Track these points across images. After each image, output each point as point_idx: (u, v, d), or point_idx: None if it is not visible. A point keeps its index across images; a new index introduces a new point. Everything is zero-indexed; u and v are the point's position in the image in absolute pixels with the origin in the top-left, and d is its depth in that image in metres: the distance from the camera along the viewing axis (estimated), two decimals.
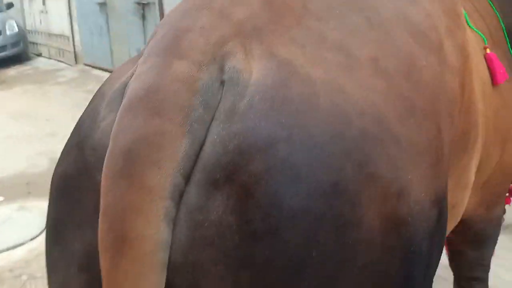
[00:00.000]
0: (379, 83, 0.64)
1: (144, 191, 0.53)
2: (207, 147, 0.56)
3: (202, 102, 0.57)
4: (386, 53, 0.68)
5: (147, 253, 0.53)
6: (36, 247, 2.61)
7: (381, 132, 0.60)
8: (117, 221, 0.54)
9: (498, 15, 1.20)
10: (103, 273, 0.55)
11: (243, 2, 0.66)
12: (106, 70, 6.49)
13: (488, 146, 1.01)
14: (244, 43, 0.61)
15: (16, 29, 7.87)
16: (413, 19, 0.76)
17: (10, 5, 8.18)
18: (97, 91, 0.72)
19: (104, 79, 0.77)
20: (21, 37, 8.01)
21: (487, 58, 1.02)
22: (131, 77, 0.63)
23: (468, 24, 1.00)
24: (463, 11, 0.97)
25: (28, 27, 8.66)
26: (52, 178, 0.70)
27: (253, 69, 0.59)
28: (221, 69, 0.59)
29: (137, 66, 0.64)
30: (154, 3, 5.63)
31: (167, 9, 5.20)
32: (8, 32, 7.71)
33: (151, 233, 0.53)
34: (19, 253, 2.63)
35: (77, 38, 7.40)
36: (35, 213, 2.93)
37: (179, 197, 0.55)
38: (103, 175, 0.56)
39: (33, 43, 8.57)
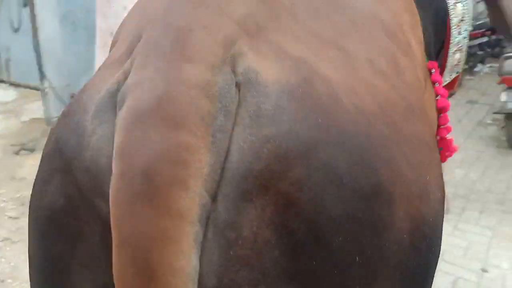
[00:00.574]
0: (380, 84, 0.63)
1: (172, 216, 0.47)
2: (233, 157, 0.50)
3: (222, 108, 0.51)
4: (376, 53, 0.67)
5: (183, 278, 0.47)
6: None
7: (393, 133, 0.59)
8: (141, 253, 0.47)
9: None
10: None
11: None
12: None
13: None
14: (251, 42, 0.56)
15: None
16: (384, 19, 0.74)
17: None
18: (71, 104, 0.61)
19: None
20: None
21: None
22: (118, 83, 0.56)
23: None
24: None
25: None
26: (34, 214, 0.60)
27: (268, 69, 0.54)
28: (234, 71, 0.53)
29: (124, 71, 0.56)
30: None
31: None
32: None
33: (183, 264, 0.47)
34: None
35: None
36: None
37: (206, 218, 0.50)
38: (113, 200, 0.49)
39: None
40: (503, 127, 4.20)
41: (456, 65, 1.15)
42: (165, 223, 0.47)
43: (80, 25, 4.64)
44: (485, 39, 5.54)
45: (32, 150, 4.15)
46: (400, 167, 0.57)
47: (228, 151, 0.51)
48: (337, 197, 0.51)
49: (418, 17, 0.88)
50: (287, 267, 0.50)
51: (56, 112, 4.56)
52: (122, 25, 0.74)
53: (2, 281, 2.47)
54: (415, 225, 0.57)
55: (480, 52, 5.83)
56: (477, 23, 4.57)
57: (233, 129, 0.51)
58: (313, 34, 0.62)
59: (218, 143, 0.50)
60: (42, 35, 4.60)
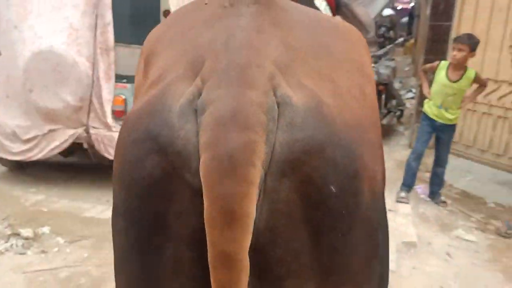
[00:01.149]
0: (356, 106, 0.91)
1: (247, 183, 0.73)
2: (277, 149, 0.77)
3: (270, 118, 0.77)
4: (352, 84, 0.94)
5: (249, 224, 0.73)
6: None
7: (365, 138, 0.89)
8: (227, 205, 0.72)
9: None
10: (212, 244, 0.73)
11: (267, 40, 0.86)
12: None
13: None
14: (283, 77, 0.82)
15: None
16: (355, 59, 1.01)
17: None
18: (155, 105, 0.83)
19: None
20: None
21: None
22: (193, 95, 0.80)
23: None
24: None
25: None
26: (130, 182, 0.82)
27: (295, 96, 0.81)
28: (275, 95, 0.79)
29: (197, 88, 0.81)
30: None
31: None
32: None
33: (252, 210, 0.73)
34: None
35: None
36: None
37: (262, 184, 0.76)
38: (206, 174, 0.73)
39: None
40: None
41: None
42: (242, 187, 0.73)
43: None
44: None
45: None
46: (366, 159, 0.86)
47: (274, 146, 0.77)
48: (335, 176, 0.80)
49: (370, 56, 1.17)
50: (305, 216, 0.79)
51: None
52: (159, 38, 1.02)
53: None
54: (372, 194, 0.88)
55: None
56: None
57: (277, 132, 0.78)
58: (316, 72, 0.88)
59: (269, 140, 0.76)
60: None
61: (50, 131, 3.78)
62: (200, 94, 0.79)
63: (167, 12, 4.41)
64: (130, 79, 3.87)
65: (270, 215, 0.78)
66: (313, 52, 0.92)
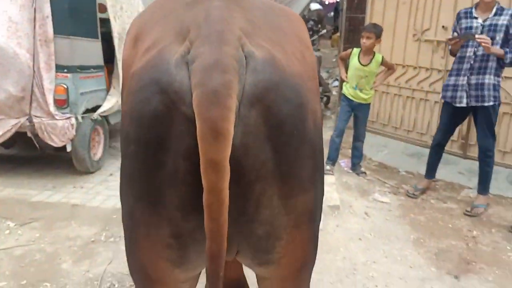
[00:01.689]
0: (298, 63, 1.16)
1: (227, 109, 0.94)
2: (246, 88, 1.01)
3: (241, 66, 1.00)
4: (295, 49, 1.20)
5: (229, 138, 0.94)
6: None
7: (306, 84, 1.15)
8: (213, 122, 0.93)
9: None
10: (203, 153, 0.94)
11: (235, 15, 1.11)
12: None
13: None
14: (247, 39, 1.07)
15: None
16: (296, 32, 1.29)
17: None
18: (156, 60, 1.06)
19: None
20: None
21: None
22: (184, 52, 1.03)
23: None
24: None
25: None
26: (141, 115, 1.04)
27: (257, 52, 1.06)
28: (243, 51, 1.04)
29: (186, 48, 1.04)
30: None
31: None
32: None
33: (231, 128, 0.95)
34: None
35: None
36: None
37: (236, 112, 0.98)
38: (199, 103, 0.94)
39: None
40: None
41: None
42: (223, 111, 0.94)
43: None
44: None
45: None
46: (309, 97, 1.13)
47: (244, 85, 1.01)
48: (287, 106, 1.05)
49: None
50: (267, 134, 1.04)
51: None
52: (144, 22, 1.28)
53: None
54: (314, 123, 1.15)
55: None
56: None
57: (246, 76, 1.02)
58: (270, 39, 1.13)
59: (241, 80, 1.00)
60: None
61: None
62: (189, 52, 1.03)
63: (101, 6, 4.61)
64: (70, 68, 4.03)
65: (243, 134, 1.01)
66: (266, 26, 1.18)
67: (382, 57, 4.46)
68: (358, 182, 4.65)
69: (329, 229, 3.50)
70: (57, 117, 3.91)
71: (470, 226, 3.70)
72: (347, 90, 4.64)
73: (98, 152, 4.61)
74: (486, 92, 3.77)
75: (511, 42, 3.68)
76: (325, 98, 7.83)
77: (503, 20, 3.69)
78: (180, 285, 1.21)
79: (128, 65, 1.25)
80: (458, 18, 4.00)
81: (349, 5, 6.41)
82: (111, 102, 4.67)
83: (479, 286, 2.84)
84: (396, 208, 4.02)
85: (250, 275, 1.97)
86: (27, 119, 3.87)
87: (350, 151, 5.10)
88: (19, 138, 4.10)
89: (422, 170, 4.54)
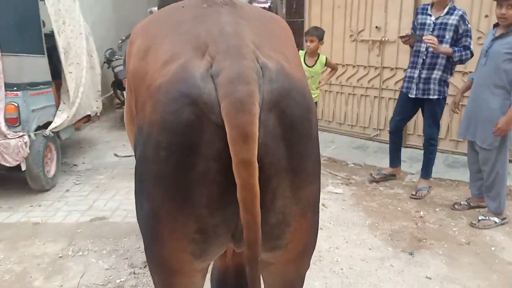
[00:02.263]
0: (298, 68, 1.30)
1: (252, 115, 1.05)
2: (264, 95, 1.11)
3: (259, 77, 1.11)
4: (293, 55, 1.34)
5: (256, 140, 1.05)
6: None
7: (307, 87, 1.27)
8: (242, 127, 1.04)
9: None
10: (235, 155, 1.04)
11: (245, 29, 1.22)
12: None
13: None
14: (259, 51, 1.18)
15: None
16: (289, 39, 1.45)
17: None
18: (183, 75, 1.14)
19: None
20: None
21: None
22: (208, 67, 1.13)
23: None
24: None
25: None
26: (173, 125, 1.12)
27: (269, 63, 1.16)
28: (258, 63, 1.14)
29: (208, 63, 1.14)
30: None
31: None
32: None
33: (256, 131, 1.06)
34: None
35: None
36: None
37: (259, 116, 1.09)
38: (228, 112, 1.05)
39: None
40: None
41: None
42: (249, 117, 1.05)
43: None
44: None
45: None
46: (311, 101, 1.26)
47: (262, 93, 1.11)
48: (298, 109, 1.17)
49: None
50: (282, 134, 1.15)
51: None
52: (153, 35, 1.37)
53: None
54: (315, 123, 1.28)
55: None
56: None
57: (263, 85, 1.12)
58: (273, 48, 1.24)
59: (260, 90, 1.11)
60: None
61: None
62: (211, 66, 1.12)
63: (43, 22, 4.54)
64: (20, 86, 3.96)
65: (264, 135, 1.10)
66: (267, 35, 1.30)
67: (326, 58, 4.73)
68: None
69: None
70: (9, 136, 3.82)
71: (417, 207, 4.05)
72: None
73: (51, 169, 4.52)
74: (432, 86, 4.11)
75: (460, 41, 4.00)
76: None
77: (452, 20, 3.99)
78: (196, 274, 1.33)
79: (139, 76, 1.32)
80: (416, 13, 4.33)
81: (288, 10, 6.72)
82: (62, 118, 4.59)
83: (432, 259, 3.15)
84: (349, 197, 4.30)
85: None
86: None
87: None
88: None
89: (369, 161, 4.88)
